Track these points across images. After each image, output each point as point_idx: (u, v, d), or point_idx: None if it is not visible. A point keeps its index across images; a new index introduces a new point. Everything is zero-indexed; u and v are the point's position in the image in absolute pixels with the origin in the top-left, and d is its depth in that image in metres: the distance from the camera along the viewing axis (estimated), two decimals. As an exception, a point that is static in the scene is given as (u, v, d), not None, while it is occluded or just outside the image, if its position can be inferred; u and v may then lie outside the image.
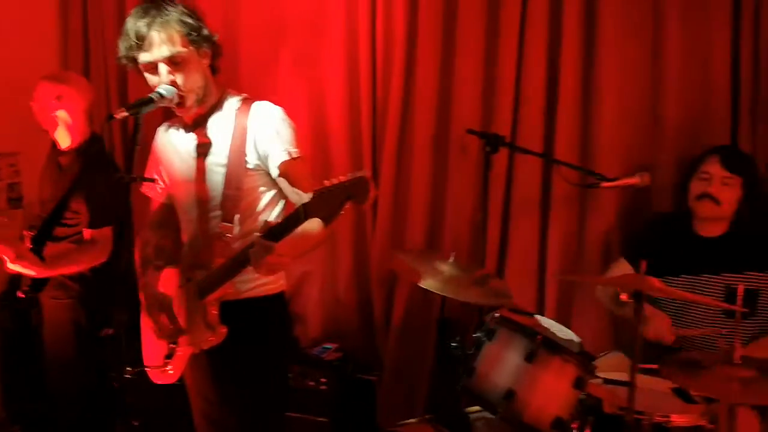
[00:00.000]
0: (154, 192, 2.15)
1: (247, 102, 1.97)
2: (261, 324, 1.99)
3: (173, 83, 1.84)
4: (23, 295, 2.75)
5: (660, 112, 2.75)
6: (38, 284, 2.73)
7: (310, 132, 3.17)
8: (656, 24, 2.73)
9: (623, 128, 2.77)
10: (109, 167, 2.77)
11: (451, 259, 2.41)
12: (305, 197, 1.67)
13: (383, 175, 3.11)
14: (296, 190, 1.90)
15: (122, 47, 1.86)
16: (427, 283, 2.29)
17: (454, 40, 2.97)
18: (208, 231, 1.94)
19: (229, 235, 1.90)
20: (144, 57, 1.83)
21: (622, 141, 2.78)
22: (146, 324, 2.09)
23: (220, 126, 1.96)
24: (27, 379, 3.23)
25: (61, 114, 2.68)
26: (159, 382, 2.05)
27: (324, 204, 1.56)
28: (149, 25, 1.80)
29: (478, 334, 2.26)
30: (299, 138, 1.95)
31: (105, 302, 2.68)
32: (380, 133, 3.14)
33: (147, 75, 1.88)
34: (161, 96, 1.82)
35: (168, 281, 2.02)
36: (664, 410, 2.00)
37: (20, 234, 2.76)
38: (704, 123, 2.71)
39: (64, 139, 2.73)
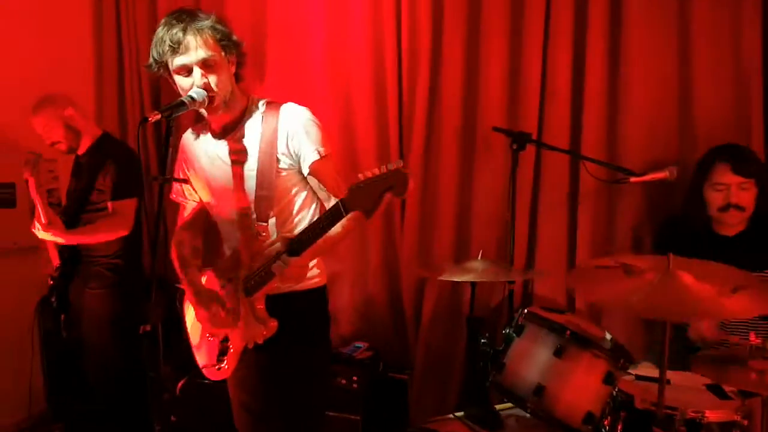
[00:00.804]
0: (183, 197, 2.21)
1: (273, 105, 2.02)
2: (305, 317, 2.05)
3: (206, 86, 1.89)
4: (52, 282, 2.90)
5: (688, 105, 2.72)
6: (67, 268, 2.87)
7: (338, 132, 3.21)
8: (684, 16, 2.70)
9: (651, 122, 2.75)
10: (127, 149, 2.98)
11: (479, 257, 2.43)
12: (337, 195, 1.81)
13: (410, 174, 3.12)
14: (323, 187, 1.99)
15: (155, 52, 1.92)
16: (467, 277, 2.29)
17: (479, 37, 2.99)
18: (246, 232, 2.01)
19: (264, 234, 1.97)
20: (180, 60, 1.88)
21: (650, 135, 2.75)
22: (195, 326, 2.17)
23: (250, 131, 2.01)
24: (69, 377, 3.34)
25: (75, 122, 2.87)
26: (214, 379, 2.13)
27: (362, 198, 1.62)
28: (185, 30, 1.87)
29: (507, 330, 2.27)
30: (326, 136, 2.01)
31: (140, 294, 2.79)
32: (407, 132, 3.16)
33: (178, 78, 1.92)
34: (193, 99, 1.87)
35: (211, 281, 2.10)
36: (697, 406, 1.97)
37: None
38: (733, 117, 2.67)
39: (82, 145, 2.93)
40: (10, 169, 3.39)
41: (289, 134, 1.96)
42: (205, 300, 2.05)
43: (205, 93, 1.89)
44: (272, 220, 1.98)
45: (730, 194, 2.41)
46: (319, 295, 2.10)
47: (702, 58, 2.68)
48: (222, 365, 2.06)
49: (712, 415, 1.95)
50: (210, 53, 1.89)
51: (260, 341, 1.93)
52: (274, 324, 1.93)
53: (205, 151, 2.08)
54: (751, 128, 2.64)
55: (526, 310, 2.27)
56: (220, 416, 2.33)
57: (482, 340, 2.35)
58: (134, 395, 2.79)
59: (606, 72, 2.79)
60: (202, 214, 2.19)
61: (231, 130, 2.02)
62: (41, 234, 2.74)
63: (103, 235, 2.80)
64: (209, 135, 2.07)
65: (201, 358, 2.16)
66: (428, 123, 3.10)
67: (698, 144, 2.70)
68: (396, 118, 3.16)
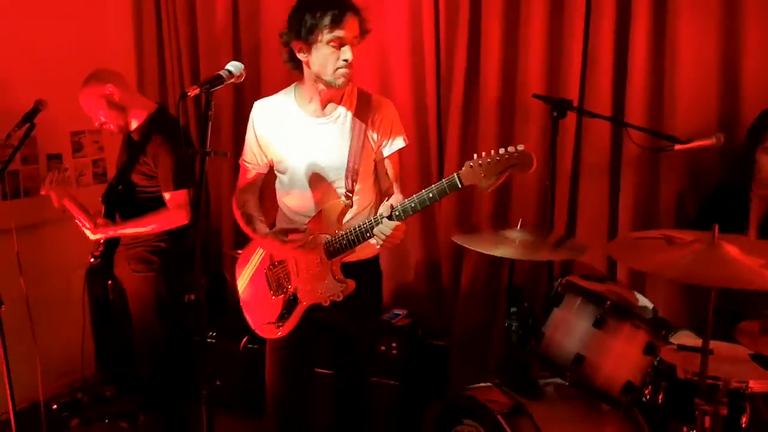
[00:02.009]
0: (255, 164, 2.29)
1: (364, 92, 2.22)
2: (371, 278, 2.35)
3: (351, 63, 2.03)
4: (93, 260, 2.91)
5: (735, 70, 2.61)
6: (108, 249, 2.87)
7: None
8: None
9: (696, 88, 2.65)
10: (178, 132, 2.77)
11: (519, 226, 2.41)
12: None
13: (449, 142, 3.11)
14: (391, 174, 2.24)
15: (310, 22, 1.99)
16: (502, 251, 2.28)
17: (519, 2, 2.92)
18: (331, 199, 2.16)
19: (350, 203, 2.15)
20: (338, 33, 2.00)
21: (696, 102, 2.66)
22: (251, 289, 2.31)
23: (348, 110, 2.17)
24: (117, 343, 3.45)
25: (116, 99, 2.72)
26: (268, 337, 2.29)
27: (481, 173, 1.85)
28: (351, 9, 2.03)
29: (546, 300, 2.26)
30: None
31: (184, 270, 2.80)
32: (445, 99, 3.14)
33: (325, 48, 2.01)
34: (230, 73, 1.91)
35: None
36: (741, 376, 1.95)
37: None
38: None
39: (132, 122, 2.80)
40: (54, 143, 3.50)
41: (381, 120, 2.17)
42: (281, 234, 2.16)
43: (242, 66, 1.94)
44: (357, 188, 2.16)
45: None
46: (377, 261, 2.37)
47: (750, 22, 2.56)
48: (282, 323, 2.21)
49: (756, 386, 1.94)
50: (358, 34, 2.05)
51: (340, 298, 2.12)
52: (352, 283, 2.13)
53: (297, 120, 2.18)
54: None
55: (565, 280, 2.25)
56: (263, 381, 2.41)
57: (521, 310, 2.36)
58: (179, 365, 2.86)
59: (651, 37, 2.69)
60: (261, 181, 2.34)
61: (332, 107, 2.16)
62: (94, 237, 2.74)
63: (155, 226, 2.71)
64: (299, 107, 2.18)
65: (259, 318, 2.28)
66: (466, 91, 3.06)
67: (745, 110, 2.60)
68: (434, 85, 3.13)
